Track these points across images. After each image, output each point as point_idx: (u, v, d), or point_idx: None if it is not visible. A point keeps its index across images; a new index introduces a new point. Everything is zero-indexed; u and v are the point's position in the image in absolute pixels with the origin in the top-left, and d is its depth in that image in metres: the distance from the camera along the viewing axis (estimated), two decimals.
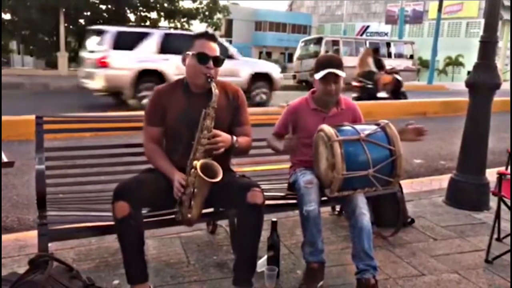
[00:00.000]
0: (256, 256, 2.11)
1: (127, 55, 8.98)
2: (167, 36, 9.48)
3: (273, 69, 11.16)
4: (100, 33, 9.43)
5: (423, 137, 2.42)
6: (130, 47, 9.07)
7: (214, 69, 2.18)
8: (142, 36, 9.37)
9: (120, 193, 1.94)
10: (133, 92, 8.91)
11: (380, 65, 10.63)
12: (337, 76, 2.42)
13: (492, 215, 2.99)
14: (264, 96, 10.70)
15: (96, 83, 8.90)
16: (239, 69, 10.05)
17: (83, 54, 10.37)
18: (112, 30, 9.29)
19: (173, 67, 8.58)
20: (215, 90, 2.11)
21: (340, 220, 3.23)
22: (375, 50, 11.26)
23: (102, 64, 8.67)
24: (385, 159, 2.24)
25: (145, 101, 8.16)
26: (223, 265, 2.52)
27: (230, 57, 9.81)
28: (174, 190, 2.07)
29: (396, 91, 10.63)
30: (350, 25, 38.47)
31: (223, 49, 10.70)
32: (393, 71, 10.84)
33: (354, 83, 10.53)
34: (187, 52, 2.21)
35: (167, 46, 9.12)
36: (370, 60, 10.63)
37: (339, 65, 2.45)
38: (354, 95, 10.39)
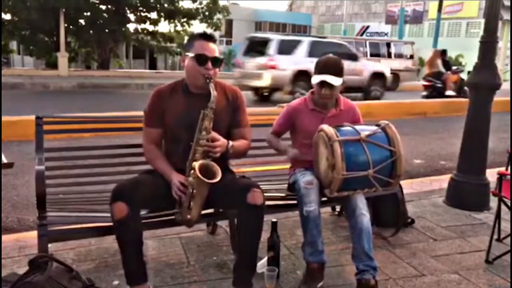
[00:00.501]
0: (256, 256, 2.11)
1: (287, 59, 11.14)
2: (313, 43, 11.65)
3: (386, 69, 13.32)
4: (265, 41, 11.68)
5: None
6: (288, 52, 11.22)
7: (213, 69, 2.18)
8: (296, 43, 11.61)
9: (118, 194, 1.94)
10: (291, 88, 11.10)
11: (447, 66, 11.68)
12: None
13: (492, 215, 2.99)
14: (378, 93, 12.66)
15: (264, 81, 11.19)
16: (362, 69, 12.17)
17: (241, 58, 12.52)
18: (276, 38, 11.66)
19: None
20: (213, 91, 2.11)
21: (340, 221, 3.23)
22: (442, 52, 12.18)
23: (271, 66, 10.94)
24: (385, 160, 2.24)
25: (297, 94, 10.66)
26: (223, 266, 2.52)
27: (356, 59, 12.05)
28: (174, 189, 2.07)
29: (460, 89, 11.55)
30: (350, 25, 38.37)
31: (352, 54, 12.02)
32: (458, 71, 11.90)
33: (424, 83, 11.64)
34: (186, 53, 2.21)
35: (314, 50, 11.03)
36: (439, 62, 11.69)
37: (337, 70, 2.44)
38: (424, 93, 11.50)
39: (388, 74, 13.17)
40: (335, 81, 2.41)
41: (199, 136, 2.08)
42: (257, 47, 11.77)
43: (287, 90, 11.18)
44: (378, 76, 12.81)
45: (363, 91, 12.27)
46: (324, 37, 13.60)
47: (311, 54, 11.06)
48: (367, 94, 12.33)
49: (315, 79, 2.45)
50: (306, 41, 11.71)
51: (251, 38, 12.71)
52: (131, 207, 1.93)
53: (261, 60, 11.27)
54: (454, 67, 12.14)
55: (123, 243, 1.98)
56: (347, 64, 10.56)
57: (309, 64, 10.46)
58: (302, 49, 11.48)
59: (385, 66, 13.82)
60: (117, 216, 1.92)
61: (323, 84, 2.42)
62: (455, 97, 11.15)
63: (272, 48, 11.22)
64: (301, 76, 10.93)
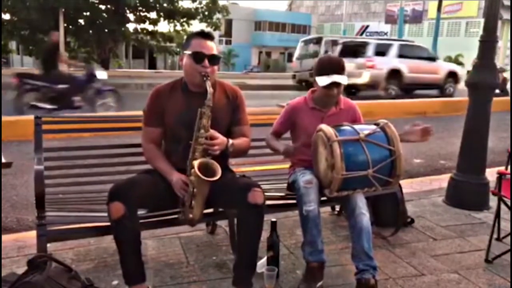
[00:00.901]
0: (256, 256, 2.10)
1: (382, 59, 13.20)
2: (402, 46, 13.83)
3: (458, 69, 15.36)
4: (361, 44, 14.03)
5: (429, 137, 2.39)
6: (383, 54, 13.29)
7: (211, 67, 2.17)
8: (388, 46, 13.75)
9: (115, 194, 1.94)
10: (385, 84, 12.97)
11: None
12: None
13: (492, 214, 2.99)
14: (451, 89, 14.40)
15: (363, 79, 13.00)
16: (439, 68, 14.18)
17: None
18: (373, 42, 14.14)
19: (406, 67, 13.26)
20: (210, 88, 2.10)
21: (340, 220, 3.23)
22: None
23: (370, 66, 12.91)
24: (384, 159, 2.23)
25: (393, 92, 13.14)
26: (222, 266, 2.51)
27: (434, 60, 14.24)
28: (176, 188, 2.06)
29: (503, 88, 12.95)
30: (350, 25, 38.40)
31: (431, 56, 14.39)
32: (501, 70, 13.18)
33: None
34: (184, 52, 2.20)
35: (402, 53, 13.48)
36: None
37: (342, 68, 2.43)
38: None
39: (460, 73, 14.96)
40: (343, 79, 2.41)
41: (197, 134, 2.07)
42: (352, 50, 13.66)
43: (383, 86, 13.03)
44: (452, 74, 14.58)
45: (439, 88, 14.08)
46: (410, 41, 15.70)
47: (400, 55, 13.48)
48: (442, 90, 14.06)
49: (323, 80, 2.41)
50: (396, 44, 13.88)
51: (345, 43, 14.65)
52: (128, 207, 1.92)
53: (360, 60, 13.11)
54: (498, 67, 13.01)
55: (121, 243, 1.98)
56: (426, 64, 12.53)
57: (399, 64, 13.42)
58: (393, 51, 13.51)
59: (457, 67, 16.00)
60: (114, 216, 1.92)
61: (331, 84, 2.41)
62: (500, 94, 11.86)
63: (370, 51, 13.33)
64: (393, 74, 13.14)
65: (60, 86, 7.68)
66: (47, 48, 8.26)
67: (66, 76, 8.18)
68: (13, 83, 7.77)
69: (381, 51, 13.35)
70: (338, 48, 14.28)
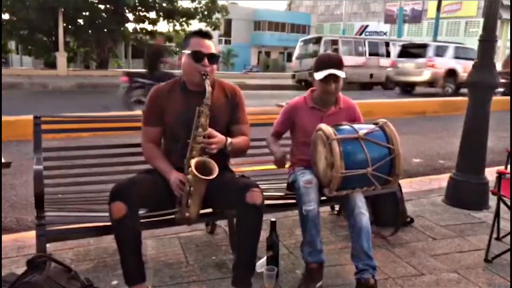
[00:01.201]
0: (255, 256, 2.10)
1: (441, 60, 14.62)
2: (456, 48, 15.28)
3: None
4: (421, 46, 15.55)
5: None
6: (441, 55, 14.75)
7: (210, 66, 2.17)
8: (446, 47, 15.16)
9: (117, 194, 1.94)
10: (443, 82, 14.42)
11: None
12: (337, 76, 2.41)
13: (491, 214, 2.99)
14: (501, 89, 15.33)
15: (423, 77, 14.54)
16: None
17: (396, 60, 15.82)
18: (433, 44, 15.56)
19: (461, 67, 14.22)
20: (208, 87, 2.10)
21: (339, 220, 3.23)
22: None
23: (431, 65, 14.40)
24: (383, 158, 2.23)
25: (449, 89, 14.50)
26: (222, 265, 2.51)
27: None
28: (173, 187, 2.06)
29: None
30: (349, 25, 38.38)
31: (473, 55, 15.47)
32: None
33: (502, 80, 14.59)
34: (183, 51, 2.20)
35: (457, 54, 14.95)
36: None
37: (339, 64, 2.43)
38: (501, 90, 13.18)
39: None
40: (340, 73, 2.41)
41: (195, 133, 2.07)
42: (411, 51, 15.28)
43: (441, 84, 14.46)
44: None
45: None
46: (462, 44, 16.85)
47: (455, 56, 14.85)
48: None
49: (320, 75, 2.41)
50: (452, 46, 15.32)
51: (404, 45, 16.28)
52: (129, 207, 1.92)
53: (420, 60, 14.62)
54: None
55: (122, 242, 1.98)
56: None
57: (455, 64, 14.77)
58: (450, 53, 14.92)
59: None
60: (116, 216, 1.92)
61: (328, 78, 2.41)
62: None
63: (430, 51, 14.74)
64: (450, 73, 14.43)
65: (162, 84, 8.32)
66: (152, 50, 9.12)
67: (167, 74, 8.84)
68: (123, 81, 8.61)
69: (439, 52, 14.70)
70: (397, 50, 15.86)
